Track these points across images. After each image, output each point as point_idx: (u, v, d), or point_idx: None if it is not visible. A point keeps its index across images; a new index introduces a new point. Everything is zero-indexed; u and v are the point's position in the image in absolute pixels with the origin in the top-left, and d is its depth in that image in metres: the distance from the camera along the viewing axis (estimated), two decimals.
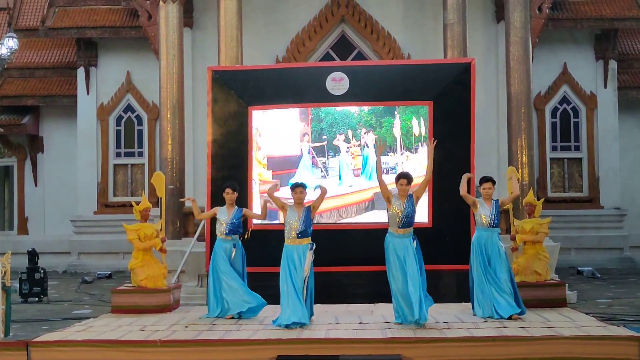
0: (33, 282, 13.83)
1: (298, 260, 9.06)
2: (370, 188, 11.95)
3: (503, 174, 10.62)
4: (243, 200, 11.79)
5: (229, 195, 9.81)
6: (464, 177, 9.58)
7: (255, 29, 17.42)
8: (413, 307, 8.66)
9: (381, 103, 12.04)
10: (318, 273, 10.39)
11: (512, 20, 14.62)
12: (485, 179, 9.66)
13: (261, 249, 11.31)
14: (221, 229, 9.78)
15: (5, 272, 9.49)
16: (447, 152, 11.72)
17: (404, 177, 9.08)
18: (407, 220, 9.02)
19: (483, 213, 9.50)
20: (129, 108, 20.25)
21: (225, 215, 9.79)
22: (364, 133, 12.00)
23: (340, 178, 12.01)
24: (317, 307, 9.83)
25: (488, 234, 9.51)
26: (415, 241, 9.07)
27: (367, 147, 11.99)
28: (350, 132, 12.01)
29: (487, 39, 17.95)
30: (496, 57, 17.68)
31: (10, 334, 9.57)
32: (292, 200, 9.34)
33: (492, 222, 9.49)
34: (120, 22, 19.65)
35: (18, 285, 13.68)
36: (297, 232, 9.09)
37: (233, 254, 9.70)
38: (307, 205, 9.29)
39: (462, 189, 9.51)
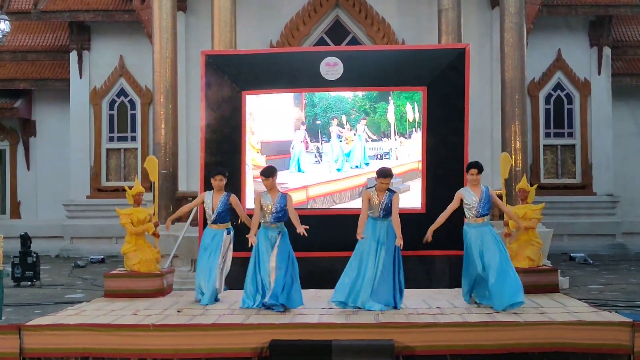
0: (25, 266, 13.81)
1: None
2: (364, 173, 11.94)
3: (497, 159, 10.66)
4: (236, 185, 11.79)
5: (218, 182, 9.56)
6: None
7: (249, 14, 17.34)
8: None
9: (375, 88, 12.02)
10: (312, 258, 10.39)
11: (506, 6, 14.59)
12: (470, 165, 9.27)
13: None
14: (212, 217, 9.58)
15: None
16: (440, 138, 11.75)
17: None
18: (484, 210, 9.09)
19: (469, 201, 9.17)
20: (122, 92, 20.17)
21: (211, 202, 9.57)
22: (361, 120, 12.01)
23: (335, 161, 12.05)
24: (310, 292, 9.87)
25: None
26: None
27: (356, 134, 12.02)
28: (344, 117, 11.99)
29: (481, 25, 17.91)
30: (490, 43, 17.66)
31: (3, 318, 9.59)
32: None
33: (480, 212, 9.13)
34: (113, 6, 19.51)
35: (10, 269, 13.67)
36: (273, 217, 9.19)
37: (229, 244, 9.65)
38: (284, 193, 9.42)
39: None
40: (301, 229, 9.03)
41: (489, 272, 8.84)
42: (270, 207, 9.11)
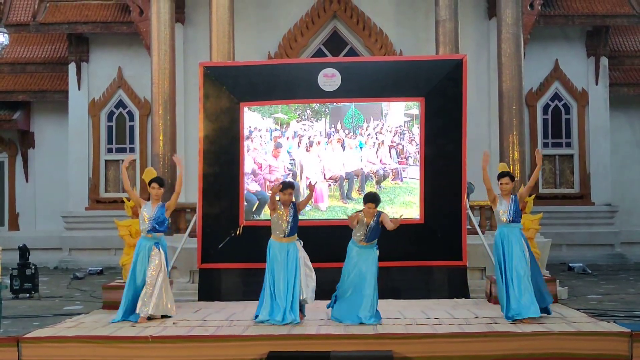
0: (24, 278, 13.78)
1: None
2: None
3: (494, 170, 10.61)
4: (234, 197, 11.81)
5: (155, 190, 9.47)
6: (485, 158, 9.38)
7: (247, 25, 17.40)
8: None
9: (373, 99, 12.04)
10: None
11: (503, 16, 14.64)
12: (502, 174, 9.38)
13: (252, 245, 11.30)
14: (143, 225, 9.43)
15: None
16: (438, 148, 11.76)
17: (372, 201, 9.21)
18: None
19: (501, 209, 9.23)
20: (120, 104, 20.20)
21: (149, 211, 9.42)
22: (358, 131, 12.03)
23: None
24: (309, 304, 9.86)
25: (508, 230, 9.17)
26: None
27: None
28: (341, 128, 12.00)
29: (478, 36, 17.98)
30: (488, 53, 17.73)
31: (1, 330, 9.56)
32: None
33: (511, 217, 9.17)
34: (111, 18, 19.56)
35: (9, 281, 13.64)
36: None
37: (152, 256, 9.35)
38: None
39: (485, 174, 9.30)
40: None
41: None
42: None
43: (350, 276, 9.14)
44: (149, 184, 9.54)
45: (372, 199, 9.12)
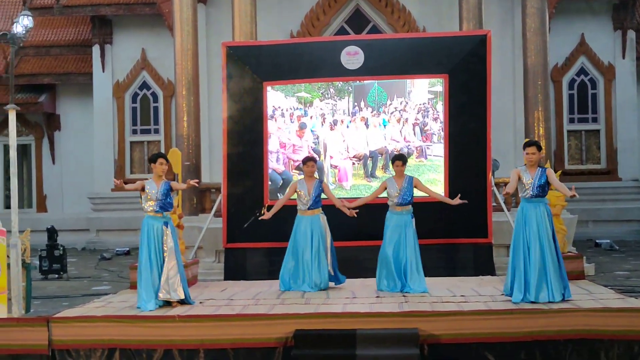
0: (53, 259, 13.96)
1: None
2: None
3: (520, 146, 10.51)
4: (259, 176, 11.84)
5: (163, 165, 8.83)
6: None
7: (269, 4, 17.34)
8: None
9: (396, 77, 11.99)
10: (336, 248, 10.41)
11: None
12: (528, 143, 8.56)
13: (277, 224, 11.31)
14: (149, 205, 8.86)
15: (25, 249, 9.59)
16: (462, 125, 11.70)
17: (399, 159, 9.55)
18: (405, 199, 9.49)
19: (525, 182, 8.41)
20: (144, 85, 20.28)
21: (154, 189, 8.83)
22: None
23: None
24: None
25: (530, 206, 8.42)
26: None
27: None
28: (365, 106, 11.95)
29: (502, 11, 17.78)
30: (512, 29, 17.54)
31: (31, 310, 9.70)
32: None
33: (535, 192, 8.38)
34: None
35: (38, 262, 13.82)
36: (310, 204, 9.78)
37: (166, 237, 8.87)
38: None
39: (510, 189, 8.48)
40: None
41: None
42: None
43: (392, 249, 9.47)
44: (155, 159, 8.86)
45: (398, 157, 9.62)
